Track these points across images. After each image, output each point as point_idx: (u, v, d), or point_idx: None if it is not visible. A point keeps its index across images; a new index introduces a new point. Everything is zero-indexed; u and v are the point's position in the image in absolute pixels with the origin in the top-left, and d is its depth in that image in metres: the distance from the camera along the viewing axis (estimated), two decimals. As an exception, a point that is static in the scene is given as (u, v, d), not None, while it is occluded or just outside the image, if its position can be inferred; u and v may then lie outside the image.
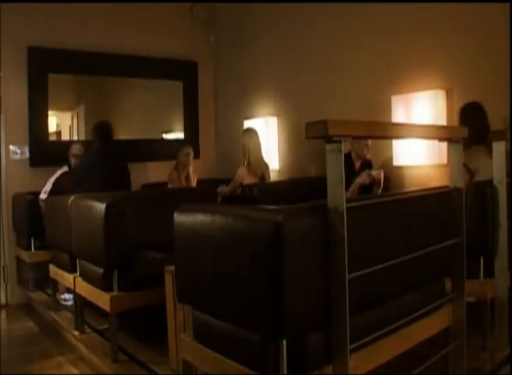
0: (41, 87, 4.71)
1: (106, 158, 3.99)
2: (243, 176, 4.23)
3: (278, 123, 4.95)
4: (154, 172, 5.29)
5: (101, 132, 4.11)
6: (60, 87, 4.97)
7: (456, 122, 3.41)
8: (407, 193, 2.19)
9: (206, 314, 1.84)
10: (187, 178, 4.82)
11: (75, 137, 5.14)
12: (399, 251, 1.78)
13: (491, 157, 2.43)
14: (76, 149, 4.44)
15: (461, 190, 2.05)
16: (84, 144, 4.53)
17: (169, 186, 4.74)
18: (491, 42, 3.21)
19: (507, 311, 2.44)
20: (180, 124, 5.74)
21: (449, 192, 2.07)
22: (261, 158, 4.36)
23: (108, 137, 4.11)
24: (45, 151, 4.73)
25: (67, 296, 4.00)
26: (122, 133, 5.42)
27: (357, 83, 4.12)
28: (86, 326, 3.40)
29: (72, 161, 4.39)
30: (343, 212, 1.48)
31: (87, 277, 3.11)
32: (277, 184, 4.42)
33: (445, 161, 3.34)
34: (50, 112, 4.85)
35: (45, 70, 4.74)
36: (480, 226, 2.47)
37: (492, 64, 3.21)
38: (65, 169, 4.33)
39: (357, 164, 3.81)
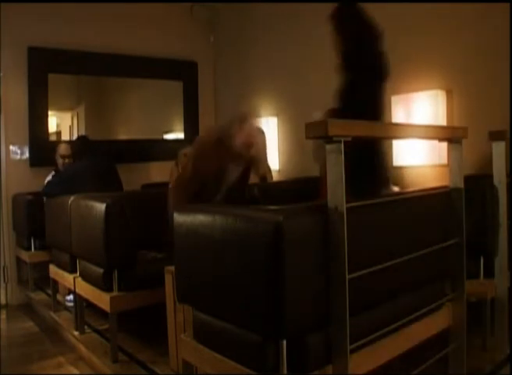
0: (41, 87, 4.71)
1: (95, 161, 4.03)
2: None
3: (278, 123, 4.95)
4: (154, 172, 5.30)
5: (81, 146, 4.17)
6: (60, 87, 4.97)
7: (456, 122, 3.41)
8: (407, 193, 2.19)
9: (206, 314, 1.84)
10: None
11: (75, 137, 5.13)
12: (399, 251, 1.78)
13: None
14: (63, 149, 4.42)
15: (461, 190, 2.05)
16: (72, 144, 4.54)
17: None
18: (491, 42, 3.21)
19: (507, 311, 2.44)
20: (180, 124, 5.74)
21: (449, 192, 2.07)
22: (266, 158, 4.30)
23: (88, 147, 4.16)
24: (45, 151, 4.71)
25: (72, 297, 4.00)
26: (122, 134, 5.43)
27: (357, 83, 4.11)
28: (86, 326, 3.40)
29: (60, 162, 4.37)
30: (343, 212, 1.48)
31: (87, 277, 3.11)
32: (277, 184, 4.42)
33: (445, 161, 3.33)
34: (50, 112, 4.85)
35: (45, 70, 4.73)
36: (480, 227, 2.47)
37: (492, 64, 3.21)
38: (52, 174, 4.33)
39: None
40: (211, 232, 1.72)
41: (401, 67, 3.76)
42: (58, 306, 3.96)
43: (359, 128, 1.64)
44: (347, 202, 1.50)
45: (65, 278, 3.49)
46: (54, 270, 3.75)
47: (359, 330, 1.61)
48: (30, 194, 4.41)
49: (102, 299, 2.87)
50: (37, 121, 4.73)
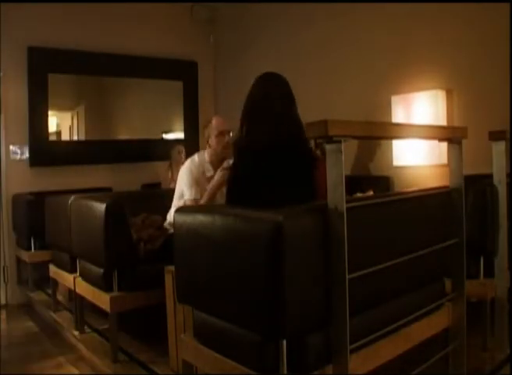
0: (41, 87, 4.71)
1: None
2: None
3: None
4: (154, 172, 5.29)
5: None
6: (60, 87, 4.97)
7: (456, 122, 3.41)
8: (407, 193, 2.19)
9: (206, 314, 1.84)
10: None
11: (75, 137, 5.14)
12: (399, 251, 1.78)
13: None
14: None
15: (461, 190, 2.05)
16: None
17: (162, 186, 4.75)
18: (491, 42, 3.21)
19: (507, 311, 2.44)
20: (180, 124, 5.74)
21: (449, 192, 2.07)
22: None
23: None
24: (45, 151, 4.73)
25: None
26: (122, 133, 5.43)
27: (357, 83, 4.12)
28: (86, 326, 3.40)
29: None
30: (343, 212, 1.48)
31: (87, 277, 3.11)
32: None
33: (445, 161, 3.33)
34: (50, 112, 4.85)
35: (45, 70, 4.73)
36: (480, 226, 2.47)
37: (492, 64, 3.21)
38: None
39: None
40: (211, 232, 1.72)
41: (401, 67, 3.77)
42: (58, 306, 3.96)
43: (359, 128, 1.64)
44: (347, 202, 1.50)
45: (65, 278, 3.49)
46: (54, 270, 3.75)
47: (359, 330, 1.61)
48: (30, 194, 4.41)
49: (102, 299, 2.87)
50: (37, 121, 4.73)
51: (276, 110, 1.99)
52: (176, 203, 3.00)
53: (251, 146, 1.99)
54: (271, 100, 2.03)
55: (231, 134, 3.02)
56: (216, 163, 3.02)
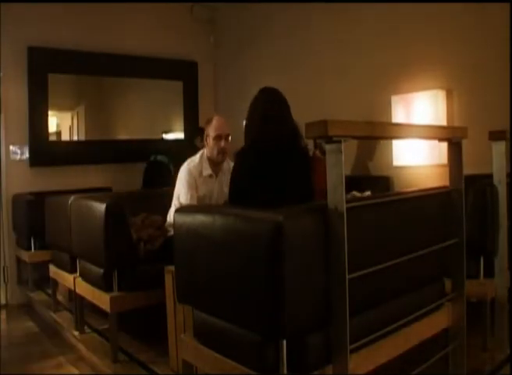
0: (41, 87, 4.70)
1: None
2: None
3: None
4: (154, 172, 5.28)
5: None
6: (60, 87, 4.96)
7: (456, 122, 3.41)
8: (407, 193, 2.19)
9: (206, 314, 1.84)
10: None
11: (75, 138, 5.14)
12: (399, 251, 1.78)
13: None
14: None
15: (461, 190, 2.05)
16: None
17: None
18: (491, 42, 3.21)
19: (507, 311, 2.44)
20: (180, 124, 5.74)
21: (449, 192, 2.07)
22: None
23: None
24: (45, 151, 4.73)
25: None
26: (122, 133, 5.43)
27: (357, 83, 4.11)
28: (86, 326, 3.40)
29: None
30: (343, 212, 1.48)
31: (87, 277, 3.11)
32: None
33: (445, 161, 3.33)
34: (50, 112, 4.85)
35: (45, 70, 4.73)
36: (480, 226, 2.47)
37: (492, 64, 3.21)
38: None
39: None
40: (211, 232, 1.72)
41: (401, 67, 3.77)
42: (58, 306, 3.96)
43: (359, 128, 1.64)
44: (347, 202, 1.50)
45: (65, 278, 3.49)
46: (54, 270, 3.75)
47: (359, 330, 1.61)
48: (30, 194, 4.41)
49: (102, 299, 2.87)
50: (37, 121, 4.73)
51: (274, 115, 2.21)
52: (176, 203, 3.01)
53: (251, 148, 2.13)
54: (269, 107, 2.26)
55: (229, 138, 3.00)
56: (213, 162, 3.03)
